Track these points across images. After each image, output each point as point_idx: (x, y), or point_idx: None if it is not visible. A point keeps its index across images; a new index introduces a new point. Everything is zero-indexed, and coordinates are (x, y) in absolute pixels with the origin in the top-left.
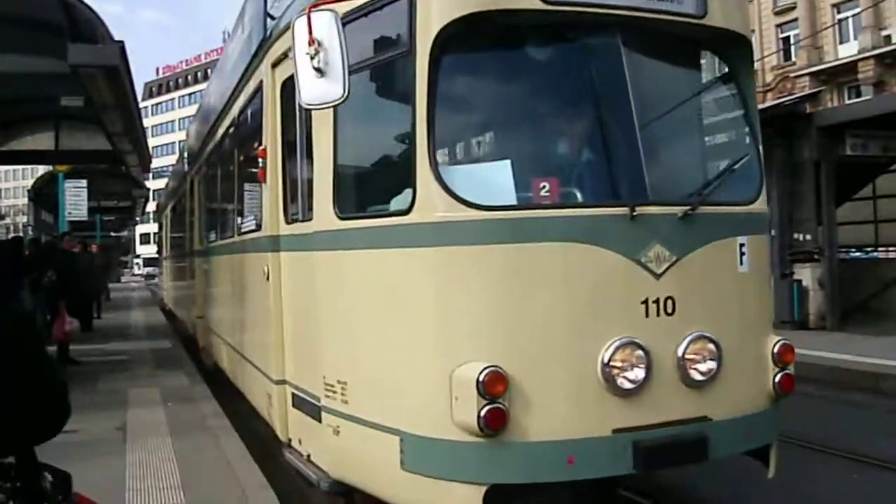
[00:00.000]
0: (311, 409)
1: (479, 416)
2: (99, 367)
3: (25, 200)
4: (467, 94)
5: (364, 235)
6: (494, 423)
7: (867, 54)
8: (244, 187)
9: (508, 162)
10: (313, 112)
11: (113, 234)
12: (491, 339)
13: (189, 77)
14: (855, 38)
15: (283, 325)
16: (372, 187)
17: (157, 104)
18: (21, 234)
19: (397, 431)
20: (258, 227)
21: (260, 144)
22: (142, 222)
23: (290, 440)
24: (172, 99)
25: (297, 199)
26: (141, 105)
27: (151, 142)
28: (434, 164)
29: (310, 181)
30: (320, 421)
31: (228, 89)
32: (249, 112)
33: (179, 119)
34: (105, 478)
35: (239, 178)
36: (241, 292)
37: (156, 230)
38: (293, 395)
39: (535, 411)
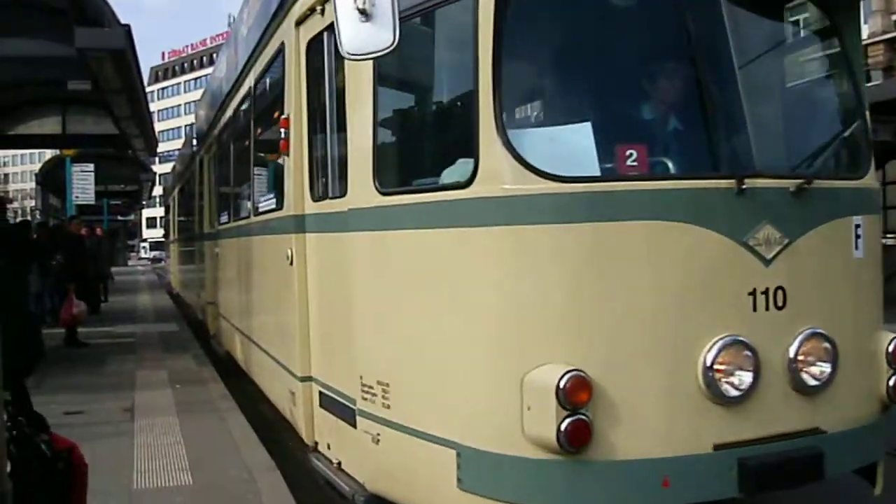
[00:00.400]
0: (344, 412)
1: (558, 430)
2: (107, 349)
3: (33, 185)
4: (540, 45)
5: (412, 213)
6: (577, 439)
7: (877, 38)
8: (262, 163)
9: (589, 125)
10: (348, 70)
11: (120, 217)
12: (570, 337)
13: (195, 61)
14: (865, 23)
15: (310, 316)
16: (421, 156)
17: (162, 88)
18: (29, 218)
19: (453, 444)
20: (279, 206)
21: (281, 114)
22: (148, 206)
23: (316, 444)
24: (178, 83)
25: (326, 173)
26: (147, 89)
27: (158, 126)
28: (501, 128)
29: (343, 152)
30: (355, 426)
31: (243, 58)
32: (268, 80)
33: (185, 103)
34: (113, 458)
35: (256, 153)
36: (258, 278)
37: (162, 214)
38: (321, 394)
39: (625, 424)
